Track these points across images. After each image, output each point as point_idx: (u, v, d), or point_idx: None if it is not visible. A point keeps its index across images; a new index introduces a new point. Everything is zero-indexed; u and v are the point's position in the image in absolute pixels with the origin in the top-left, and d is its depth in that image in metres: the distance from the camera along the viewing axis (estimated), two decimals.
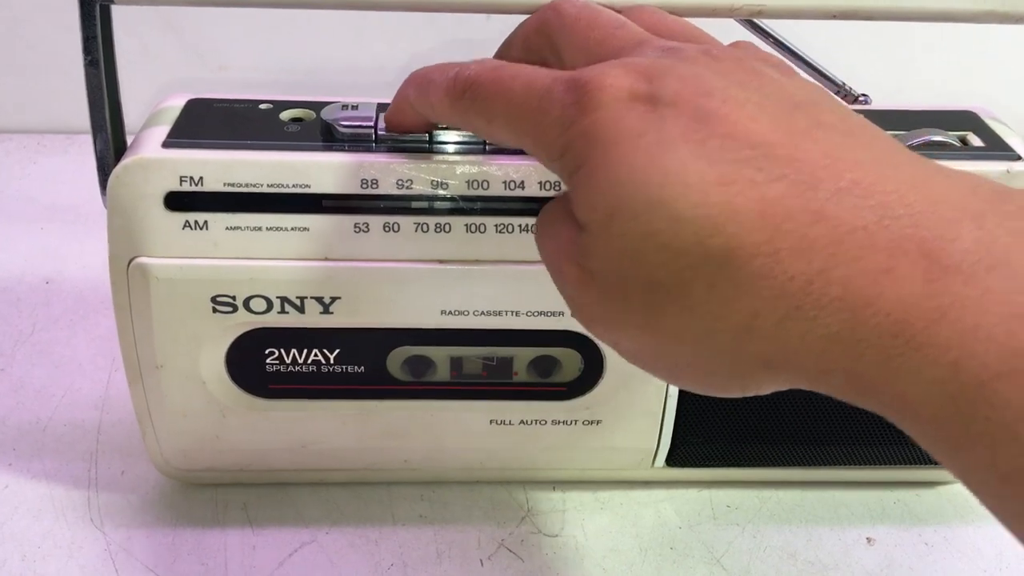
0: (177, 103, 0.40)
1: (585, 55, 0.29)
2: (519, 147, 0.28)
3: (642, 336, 0.26)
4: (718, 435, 0.43)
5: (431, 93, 0.31)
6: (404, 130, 0.36)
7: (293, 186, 0.36)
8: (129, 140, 0.38)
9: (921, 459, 0.44)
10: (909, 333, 0.22)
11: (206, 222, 0.36)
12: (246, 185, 0.36)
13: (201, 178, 0.36)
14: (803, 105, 0.26)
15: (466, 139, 0.38)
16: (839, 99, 0.28)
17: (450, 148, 0.37)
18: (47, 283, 0.57)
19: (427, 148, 0.37)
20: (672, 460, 0.43)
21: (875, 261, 0.23)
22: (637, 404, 0.41)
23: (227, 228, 0.37)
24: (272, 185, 0.36)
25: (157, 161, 0.36)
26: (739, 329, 0.24)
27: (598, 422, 0.42)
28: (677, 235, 0.24)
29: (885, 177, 0.24)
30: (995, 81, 0.73)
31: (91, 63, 0.37)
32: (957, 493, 0.46)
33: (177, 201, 0.36)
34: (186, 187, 0.36)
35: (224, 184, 0.36)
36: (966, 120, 0.41)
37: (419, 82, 0.33)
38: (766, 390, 0.26)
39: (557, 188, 0.37)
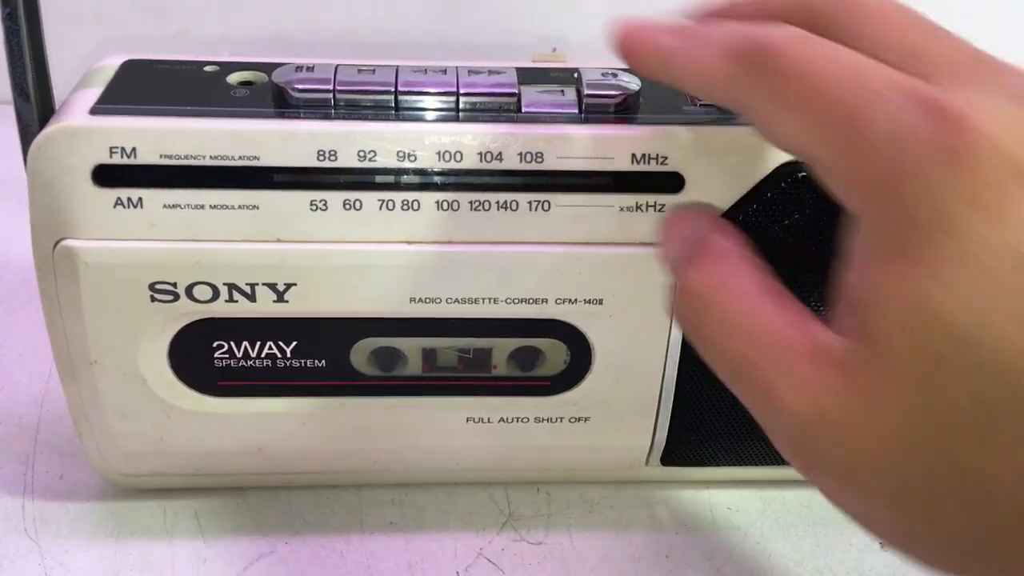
0: (112, 63, 0.36)
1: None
2: (801, 152, 0.21)
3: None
4: (718, 431, 0.39)
5: (702, 48, 0.24)
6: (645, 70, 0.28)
7: (240, 158, 0.32)
8: None
9: None
10: None
11: (140, 199, 0.32)
12: (186, 157, 0.32)
13: (134, 149, 0.32)
14: None
15: (438, 104, 0.33)
16: None
17: (419, 114, 0.33)
18: None
19: (393, 114, 0.33)
20: (668, 459, 0.40)
21: None
22: (629, 398, 0.37)
23: (165, 206, 0.32)
24: (216, 157, 0.32)
25: (83, 130, 0.32)
26: None
27: (586, 419, 0.38)
28: None
29: None
30: None
31: (9, 16, 0.33)
32: None
33: (107, 175, 0.32)
34: (117, 159, 0.32)
35: (160, 155, 0.32)
36: None
37: (683, 32, 0.25)
38: None
39: (539, 160, 0.33)
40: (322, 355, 0.36)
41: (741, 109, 0.23)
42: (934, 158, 0.18)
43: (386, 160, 0.33)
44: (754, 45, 0.22)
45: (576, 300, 0.35)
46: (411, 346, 0.36)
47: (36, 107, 0.34)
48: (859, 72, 0.20)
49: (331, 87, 0.33)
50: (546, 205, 0.33)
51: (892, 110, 0.19)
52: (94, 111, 0.32)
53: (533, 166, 0.33)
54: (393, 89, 0.33)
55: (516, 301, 0.35)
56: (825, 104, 0.20)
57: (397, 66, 0.34)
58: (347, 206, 0.33)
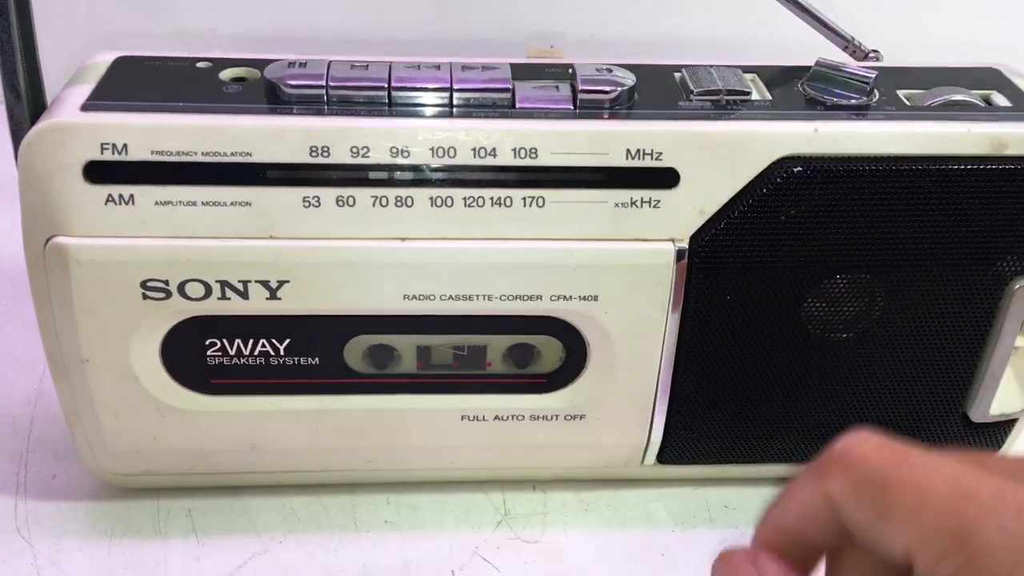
0: (104, 60, 0.35)
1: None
2: (910, 560, 0.20)
3: None
4: (714, 429, 0.39)
5: (790, 491, 0.23)
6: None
7: (232, 154, 0.32)
8: None
9: None
10: None
11: (132, 196, 0.32)
12: (177, 153, 0.32)
13: (125, 145, 0.32)
14: None
15: (432, 100, 0.33)
16: None
17: (412, 110, 0.33)
18: None
19: (387, 110, 0.33)
20: (664, 457, 0.39)
21: None
22: (625, 396, 0.37)
23: (156, 203, 0.32)
24: (207, 153, 0.32)
25: (74, 126, 0.32)
26: None
27: (581, 417, 0.38)
28: None
29: None
30: (1019, 35, 0.68)
31: None
32: None
33: (98, 172, 0.32)
34: (108, 156, 0.32)
35: (152, 152, 0.32)
36: (989, 78, 0.37)
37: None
38: None
39: (534, 156, 0.33)
40: (316, 353, 0.36)
41: (848, 526, 0.22)
42: None
43: (379, 156, 0.32)
44: (837, 454, 0.22)
45: (571, 297, 0.34)
46: (405, 343, 0.36)
47: (27, 104, 0.34)
48: (960, 480, 0.20)
49: (324, 83, 0.33)
50: (540, 201, 0.33)
51: (1001, 520, 0.19)
52: (85, 107, 0.32)
53: (527, 162, 0.33)
54: (386, 85, 0.33)
55: (510, 298, 0.34)
56: (931, 515, 0.20)
57: (390, 62, 0.34)
58: (340, 202, 0.33)
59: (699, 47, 0.67)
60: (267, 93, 0.33)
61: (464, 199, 0.33)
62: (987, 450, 0.40)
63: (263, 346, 0.35)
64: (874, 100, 0.35)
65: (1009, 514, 0.19)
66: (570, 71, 0.35)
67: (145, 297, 0.33)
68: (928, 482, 0.20)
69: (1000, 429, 0.40)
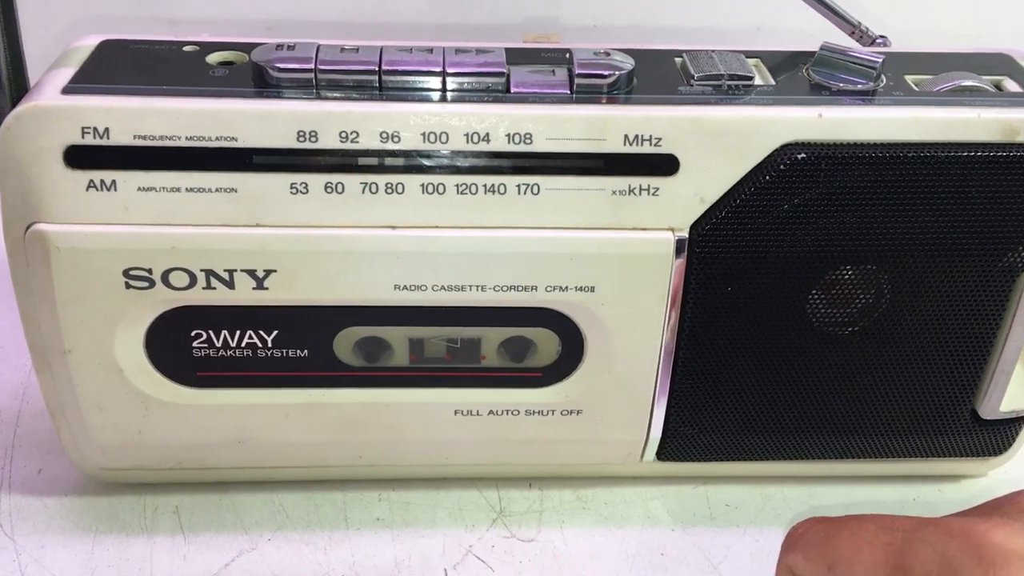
0: (88, 43, 0.35)
1: None
2: None
3: None
4: (715, 425, 0.38)
5: None
6: None
7: (217, 139, 0.31)
8: None
9: (942, 451, 0.39)
10: None
11: (114, 182, 0.31)
12: (161, 138, 0.31)
13: (107, 129, 0.31)
14: None
15: (424, 84, 0.32)
16: None
17: (404, 94, 0.32)
18: None
19: (377, 94, 0.32)
20: (663, 453, 0.38)
21: None
22: (623, 390, 0.36)
23: (139, 189, 0.31)
24: (192, 138, 0.31)
25: (55, 109, 0.31)
26: None
27: (578, 412, 0.37)
28: None
29: None
30: None
31: None
32: (983, 488, 0.41)
33: (79, 157, 0.31)
34: (89, 140, 0.31)
35: (134, 136, 0.31)
36: (1000, 63, 0.36)
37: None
38: None
39: (528, 142, 0.32)
40: (304, 345, 0.35)
41: None
42: None
43: (369, 142, 0.31)
44: (787, 539, 0.27)
45: (567, 287, 0.33)
46: (396, 335, 0.35)
47: (8, 88, 0.33)
48: (885, 521, 0.25)
49: (312, 66, 0.32)
50: (535, 188, 0.32)
51: (924, 536, 0.23)
52: (66, 90, 0.31)
53: (522, 148, 0.32)
54: (377, 68, 0.32)
55: (504, 288, 0.33)
56: (868, 551, 0.24)
57: (381, 46, 0.33)
58: (329, 189, 0.32)
59: (702, 37, 0.66)
60: (254, 77, 0.32)
61: (457, 186, 0.32)
62: (997, 448, 0.39)
63: (250, 338, 0.35)
64: (881, 85, 0.34)
65: (930, 532, 0.23)
66: (567, 55, 0.34)
67: (128, 286, 0.32)
68: (860, 528, 0.25)
69: (1010, 426, 0.39)
